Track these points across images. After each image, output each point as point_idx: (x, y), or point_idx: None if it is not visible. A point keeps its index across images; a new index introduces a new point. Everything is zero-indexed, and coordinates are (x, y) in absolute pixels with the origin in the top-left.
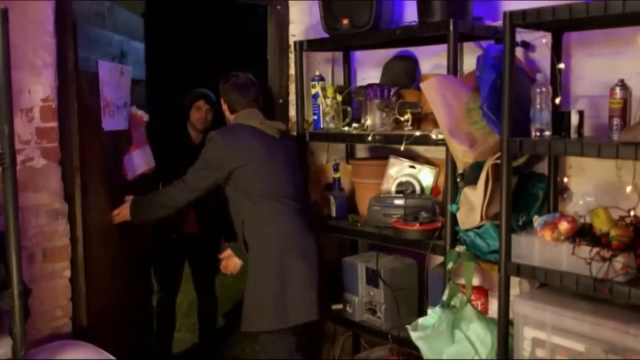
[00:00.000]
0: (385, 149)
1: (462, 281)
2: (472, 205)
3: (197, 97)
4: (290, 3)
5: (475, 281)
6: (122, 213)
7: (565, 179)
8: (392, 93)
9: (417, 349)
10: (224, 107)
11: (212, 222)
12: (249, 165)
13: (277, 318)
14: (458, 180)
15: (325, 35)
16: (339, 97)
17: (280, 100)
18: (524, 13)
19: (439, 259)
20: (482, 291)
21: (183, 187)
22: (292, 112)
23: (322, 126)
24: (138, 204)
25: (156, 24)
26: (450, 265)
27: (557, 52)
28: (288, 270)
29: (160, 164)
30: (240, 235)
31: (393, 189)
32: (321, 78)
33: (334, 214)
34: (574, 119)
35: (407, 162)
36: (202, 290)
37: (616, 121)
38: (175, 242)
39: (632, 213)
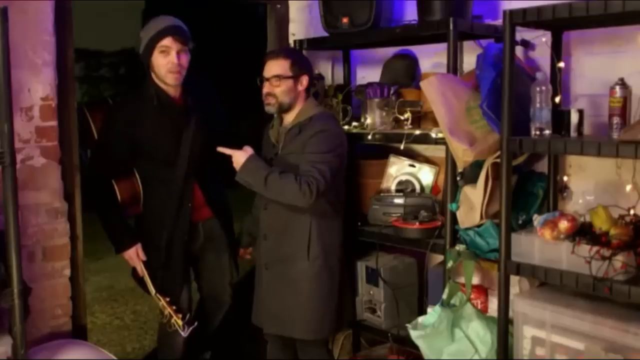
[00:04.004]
0: (384, 147)
1: (462, 280)
2: (472, 204)
3: (159, 33)
4: (290, 2)
5: (475, 280)
6: (235, 160)
7: (565, 178)
8: (392, 92)
9: (417, 347)
10: (304, 82)
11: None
12: (345, 166)
13: (336, 324)
14: (458, 179)
15: (325, 33)
16: (339, 96)
17: None
18: (524, 11)
19: (439, 257)
20: (482, 290)
21: (315, 185)
22: None
23: None
24: (257, 165)
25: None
26: (450, 264)
27: (557, 51)
28: (344, 278)
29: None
30: (305, 237)
31: (393, 187)
32: (321, 77)
33: None
34: (574, 118)
35: (407, 161)
36: (214, 289)
37: (616, 120)
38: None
39: (631, 212)
